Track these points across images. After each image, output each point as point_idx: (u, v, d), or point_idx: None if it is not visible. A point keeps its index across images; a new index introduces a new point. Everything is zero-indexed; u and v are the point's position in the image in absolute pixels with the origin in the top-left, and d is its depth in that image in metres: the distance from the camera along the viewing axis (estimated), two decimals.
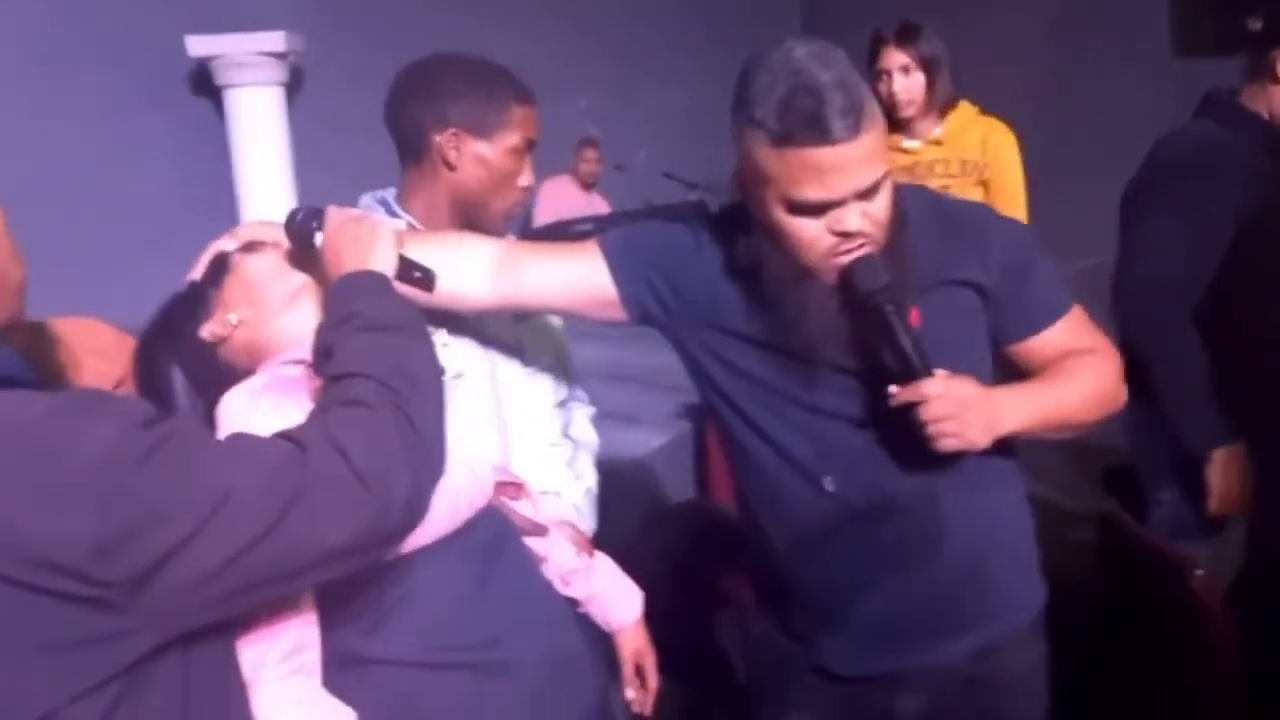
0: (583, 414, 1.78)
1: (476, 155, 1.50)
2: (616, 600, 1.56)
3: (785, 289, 1.30)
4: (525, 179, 1.54)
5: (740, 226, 1.35)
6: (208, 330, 1.27)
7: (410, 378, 1.07)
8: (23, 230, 1.13)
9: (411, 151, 1.54)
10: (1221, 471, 2.07)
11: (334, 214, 1.30)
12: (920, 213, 1.36)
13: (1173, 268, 2.05)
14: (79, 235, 3.24)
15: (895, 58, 2.57)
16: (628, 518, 2.78)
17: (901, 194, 1.33)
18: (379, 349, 1.09)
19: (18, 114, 3.55)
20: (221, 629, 1.02)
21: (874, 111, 1.22)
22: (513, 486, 1.44)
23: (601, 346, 3.90)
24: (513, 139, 1.50)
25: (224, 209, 4.51)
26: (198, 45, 4.44)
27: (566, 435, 1.73)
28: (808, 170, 1.19)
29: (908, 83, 2.57)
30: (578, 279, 1.41)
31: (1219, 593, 1.73)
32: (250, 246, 1.32)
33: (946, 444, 1.26)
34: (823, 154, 1.18)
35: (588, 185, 5.95)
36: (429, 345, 1.17)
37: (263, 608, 1.08)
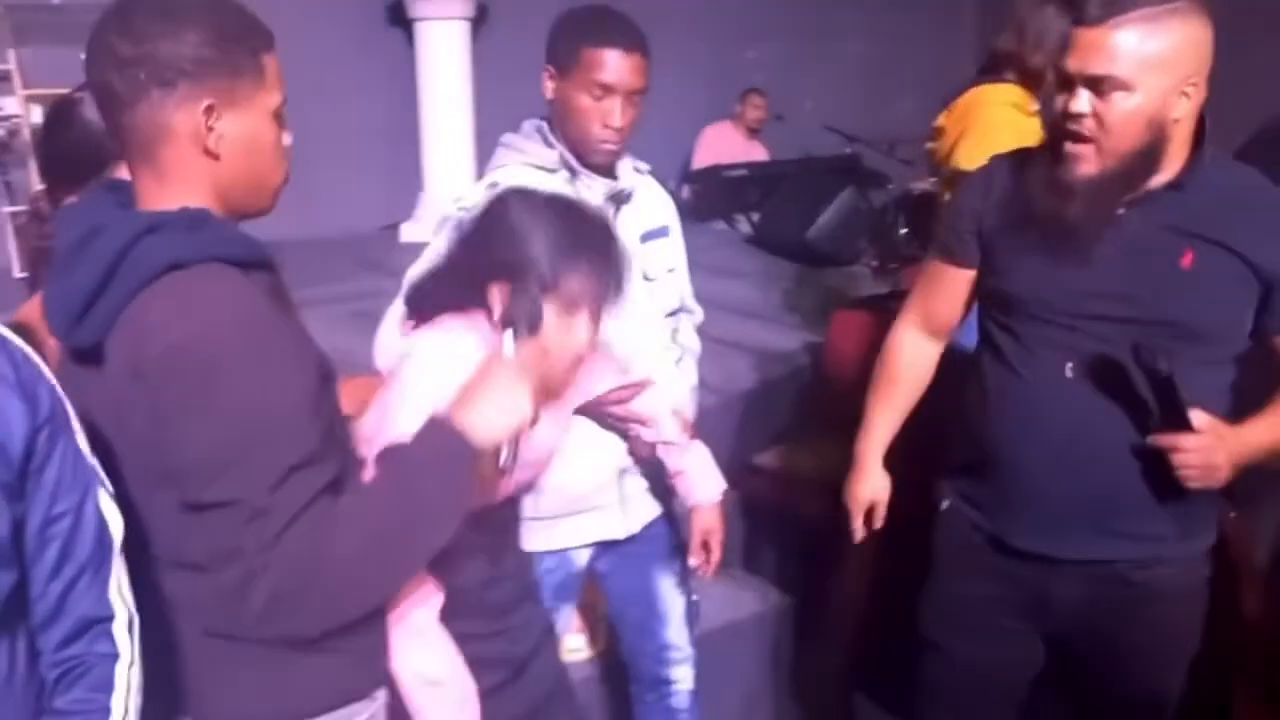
0: (689, 323, 1.96)
1: (558, 89, 1.71)
2: (700, 481, 1.77)
3: None
4: (610, 118, 1.68)
5: None
6: None
7: (403, 546, 1.14)
8: None
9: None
10: None
11: (532, 347, 1.26)
12: (1246, 182, 1.53)
13: None
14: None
15: None
16: (746, 436, 2.99)
17: (1235, 169, 1.54)
18: (403, 510, 1.13)
19: None
20: None
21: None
22: (634, 386, 1.65)
23: (736, 284, 4.09)
24: (585, 80, 1.68)
25: (409, 125, 4.93)
26: None
27: (676, 341, 1.94)
28: None
29: None
30: None
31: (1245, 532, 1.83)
32: None
33: (1192, 485, 1.47)
34: None
35: (751, 132, 6.02)
36: (444, 530, 1.17)
37: None
